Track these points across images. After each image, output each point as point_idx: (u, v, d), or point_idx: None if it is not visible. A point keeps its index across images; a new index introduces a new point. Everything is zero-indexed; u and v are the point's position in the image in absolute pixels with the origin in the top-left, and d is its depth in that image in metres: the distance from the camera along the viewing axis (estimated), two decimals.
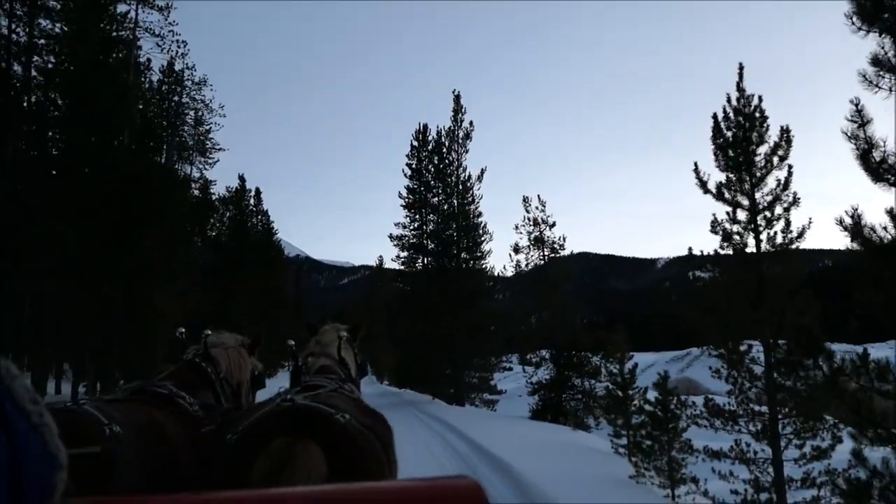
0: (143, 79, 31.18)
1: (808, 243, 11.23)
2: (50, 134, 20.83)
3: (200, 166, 40.31)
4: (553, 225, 23.85)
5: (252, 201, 52.24)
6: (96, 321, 18.22)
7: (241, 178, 46.57)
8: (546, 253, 23.93)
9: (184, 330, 3.47)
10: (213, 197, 48.69)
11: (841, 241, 7.38)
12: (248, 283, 44.55)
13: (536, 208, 24.00)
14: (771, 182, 11.04)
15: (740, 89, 11.39)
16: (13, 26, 19.57)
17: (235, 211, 47.39)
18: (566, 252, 23.67)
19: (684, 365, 74.73)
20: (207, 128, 39.79)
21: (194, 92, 37.15)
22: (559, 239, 23.77)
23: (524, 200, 24.04)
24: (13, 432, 0.65)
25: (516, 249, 24.39)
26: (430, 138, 38.73)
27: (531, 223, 24.07)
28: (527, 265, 24.22)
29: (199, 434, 2.49)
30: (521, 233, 24.30)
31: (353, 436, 2.02)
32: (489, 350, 27.16)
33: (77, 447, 1.67)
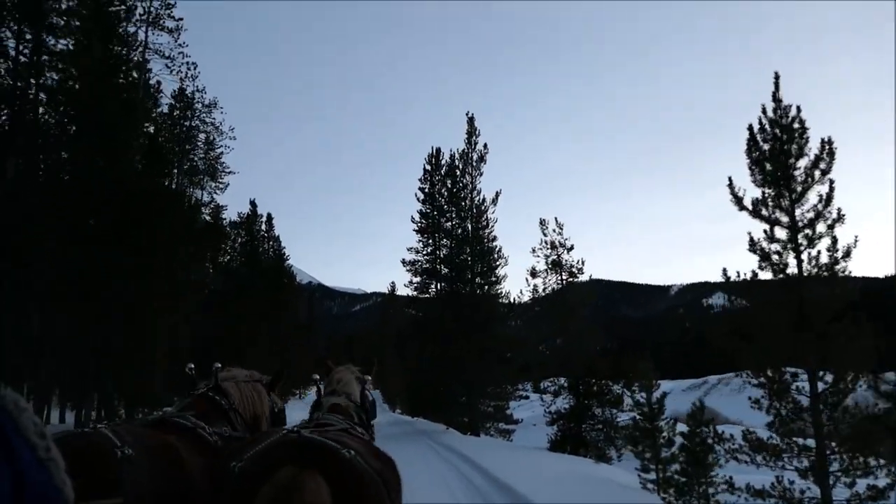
0: (153, 102, 30.90)
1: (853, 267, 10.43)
2: (55, 156, 20.45)
3: (211, 191, 39.81)
4: (571, 248, 23.13)
5: (263, 227, 51.89)
6: (95, 348, 17.62)
7: (253, 204, 46.24)
8: (564, 277, 23.15)
9: (193, 366, 3.48)
10: (225, 221, 48.65)
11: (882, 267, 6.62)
12: (259, 308, 44.02)
13: (554, 231, 23.29)
14: (812, 198, 10.31)
15: (777, 99, 10.73)
16: (20, 47, 19.25)
17: (247, 236, 47.00)
18: (584, 277, 22.88)
19: (702, 393, 73.22)
20: (219, 151, 39.45)
21: (204, 115, 36.91)
22: (577, 262, 23.00)
23: (541, 223, 23.36)
24: (19, 465, 0.65)
25: (533, 273, 23.62)
26: (443, 162, 38.35)
27: (548, 246, 23.31)
28: (544, 289, 23.43)
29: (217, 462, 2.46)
30: (538, 256, 23.57)
31: (360, 473, 1.99)
32: (504, 377, 26.26)
33: (89, 469, 1.81)
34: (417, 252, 37.92)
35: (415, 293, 37.27)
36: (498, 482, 12.80)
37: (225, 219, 48.54)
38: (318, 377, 3.67)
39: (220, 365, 3.42)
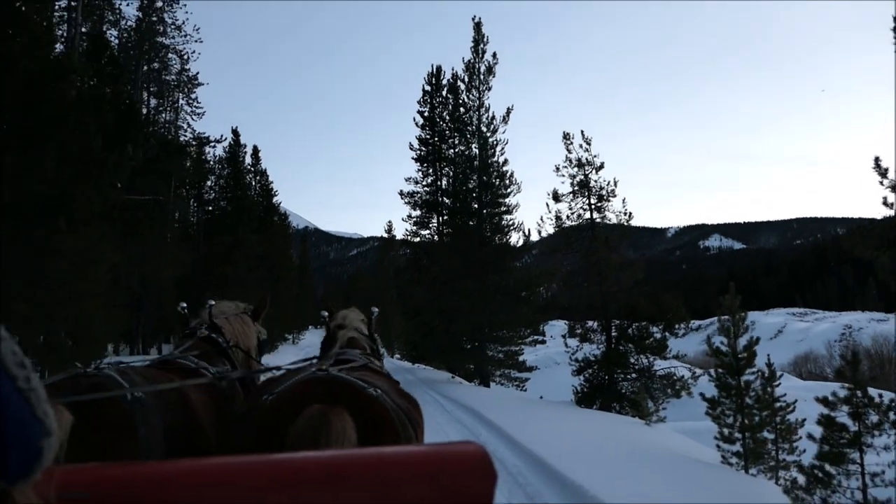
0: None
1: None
2: None
3: (188, 114, 35.65)
4: (601, 167, 19.27)
5: (249, 160, 47.91)
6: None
7: (235, 132, 42.07)
8: (592, 202, 19.37)
9: (185, 305, 3.43)
10: (209, 157, 44.73)
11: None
12: (247, 250, 40.63)
13: (581, 146, 19.41)
14: None
15: None
16: None
17: (229, 168, 43.13)
18: (617, 201, 19.07)
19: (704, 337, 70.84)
20: (187, 66, 35.16)
21: (166, 11, 32.34)
22: (608, 184, 19.20)
23: (565, 137, 19.42)
24: None
25: (556, 197, 19.74)
26: (444, 82, 34.36)
27: (573, 164, 19.46)
28: (569, 216, 19.65)
29: (226, 403, 2.51)
30: (562, 175, 19.67)
31: (385, 410, 2.00)
32: (519, 319, 22.82)
33: (98, 412, 1.77)
34: (416, 183, 34.29)
35: (414, 228, 33.85)
36: (523, 450, 9.58)
37: (209, 153, 44.89)
38: (326, 314, 3.58)
39: (213, 302, 3.35)
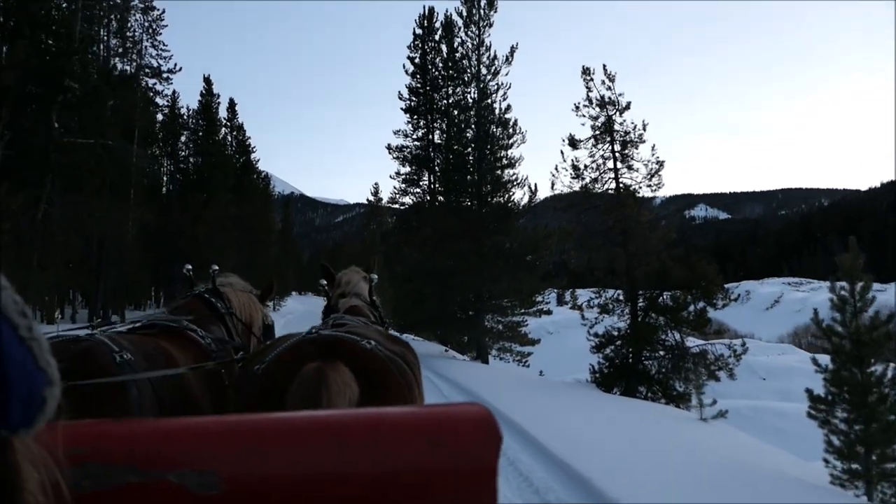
0: None
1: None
2: None
3: (154, 58, 32.06)
4: (626, 108, 16.20)
5: (225, 114, 44.41)
6: None
7: (207, 81, 38.58)
8: (616, 149, 16.36)
9: (190, 267, 3.43)
10: (182, 111, 41.26)
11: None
12: (222, 211, 37.54)
13: (602, 84, 16.34)
14: None
15: None
16: None
17: (205, 121, 39.73)
18: (645, 147, 16.05)
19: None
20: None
21: None
22: (635, 128, 16.16)
23: (584, 73, 16.30)
24: None
25: (573, 143, 16.66)
26: (437, 25, 31.06)
27: (594, 104, 16.38)
28: (587, 166, 16.58)
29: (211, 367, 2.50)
30: (582, 116, 16.54)
31: (382, 359, 1.98)
32: (525, 286, 20.00)
33: (88, 375, 1.78)
34: (406, 136, 31.13)
35: (403, 186, 30.81)
36: (550, 457, 7.18)
37: (182, 108, 41.40)
38: (324, 282, 3.53)
39: (217, 268, 3.36)
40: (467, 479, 1.04)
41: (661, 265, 14.99)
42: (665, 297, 15.35)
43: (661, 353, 15.61)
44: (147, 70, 30.06)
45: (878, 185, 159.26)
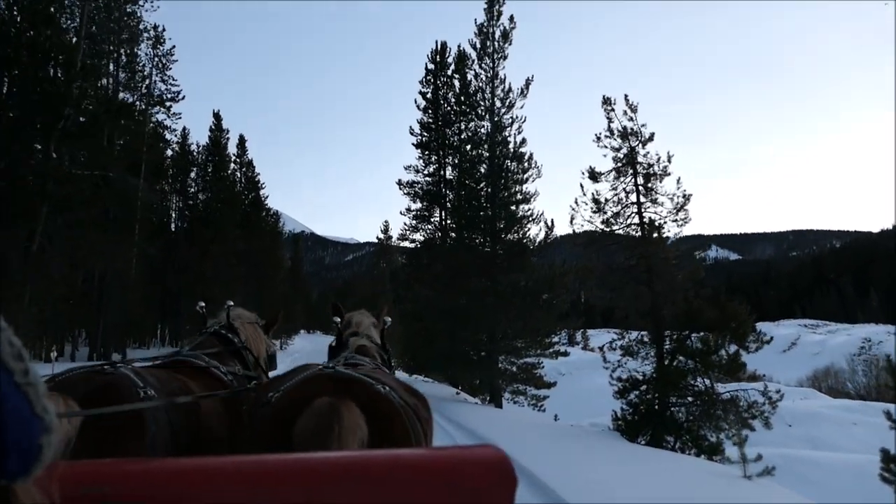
0: None
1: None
2: None
3: (163, 93, 31.71)
4: (650, 139, 15.39)
5: (235, 150, 44.07)
6: None
7: (217, 116, 38.28)
8: (639, 182, 15.51)
9: (204, 304, 3.42)
10: (192, 148, 41.00)
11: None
12: (230, 247, 36.99)
13: (624, 114, 15.56)
14: None
15: None
16: None
17: (214, 157, 39.35)
18: (670, 181, 15.21)
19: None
20: (162, 39, 31.29)
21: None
22: (659, 160, 15.29)
23: (605, 103, 15.59)
24: None
25: (593, 176, 15.79)
26: (449, 60, 30.71)
27: (616, 135, 15.57)
28: (610, 199, 15.67)
29: (236, 401, 2.51)
30: (604, 147, 15.68)
31: (395, 406, 1.93)
32: (542, 325, 19.03)
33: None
34: (417, 171, 30.57)
35: (414, 222, 30.11)
36: None
37: (193, 143, 41.15)
38: (338, 319, 3.39)
39: (231, 303, 3.40)
40: None
41: (688, 305, 14.02)
42: (693, 338, 14.36)
43: (690, 398, 14.54)
44: (151, 98, 29.58)
45: (890, 226, 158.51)
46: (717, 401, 14.13)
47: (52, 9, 15.72)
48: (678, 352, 14.34)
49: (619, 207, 15.75)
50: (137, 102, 29.49)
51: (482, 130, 24.08)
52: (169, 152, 39.05)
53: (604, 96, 15.73)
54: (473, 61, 23.36)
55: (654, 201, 15.45)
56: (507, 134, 21.95)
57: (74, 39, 19.08)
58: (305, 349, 44.73)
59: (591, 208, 15.80)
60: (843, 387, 58.48)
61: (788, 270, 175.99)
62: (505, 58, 22.45)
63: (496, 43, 22.29)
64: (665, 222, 15.31)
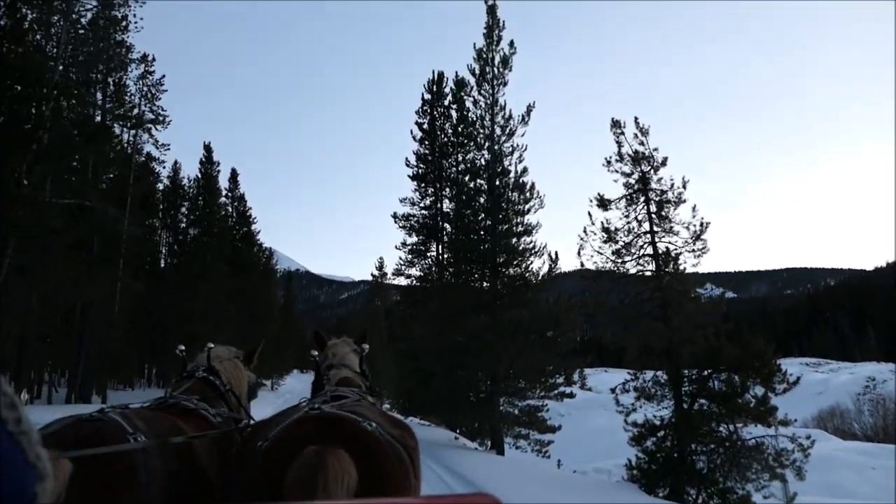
0: None
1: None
2: None
3: (153, 123, 30.70)
4: (663, 164, 14.34)
5: (226, 184, 43.12)
6: None
7: (207, 148, 37.33)
8: (652, 210, 14.45)
9: (184, 348, 3.40)
10: (183, 183, 40.05)
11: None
12: (220, 284, 35.74)
13: (634, 137, 14.57)
14: None
15: None
16: None
17: (204, 191, 38.32)
18: (685, 208, 14.10)
19: None
20: (151, 69, 30.40)
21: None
22: (673, 186, 14.24)
23: (614, 125, 14.59)
24: None
25: (602, 204, 14.74)
26: (446, 90, 29.95)
27: (627, 160, 14.54)
28: (620, 228, 14.60)
29: (226, 445, 2.48)
30: (614, 172, 14.64)
31: (382, 443, 1.94)
32: (546, 365, 17.79)
33: (103, 456, 1.73)
34: (413, 204, 29.57)
35: (410, 257, 29.00)
36: None
37: (184, 176, 40.20)
38: (315, 353, 3.44)
39: (212, 345, 3.31)
40: None
41: (707, 342, 12.82)
42: (715, 380, 13.13)
43: (712, 445, 13.26)
44: (131, 120, 28.40)
45: (884, 264, 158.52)
46: (743, 448, 12.86)
47: (24, 25, 14.83)
48: (699, 394, 13.10)
49: (632, 237, 14.66)
50: (121, 130, 28.52)
51: (481, 160, 23.13)
52: (160, 186, 38.13)
53: (613, 119, 14.80)
54: (472, 88, 22.46)
55: (669, 230, 14.37)
56: (507, 163, 21.00)
57: (52, 63, 18.10)
58: (296, 389, 43.28)
59: (602, 238, 14.70)
60: (849, 427, 56.95)
61: (784, 308, 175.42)
62: (505, 84, 21.59)
63: (496, 69, 21.45)
64: (681, 252, 14.18)
